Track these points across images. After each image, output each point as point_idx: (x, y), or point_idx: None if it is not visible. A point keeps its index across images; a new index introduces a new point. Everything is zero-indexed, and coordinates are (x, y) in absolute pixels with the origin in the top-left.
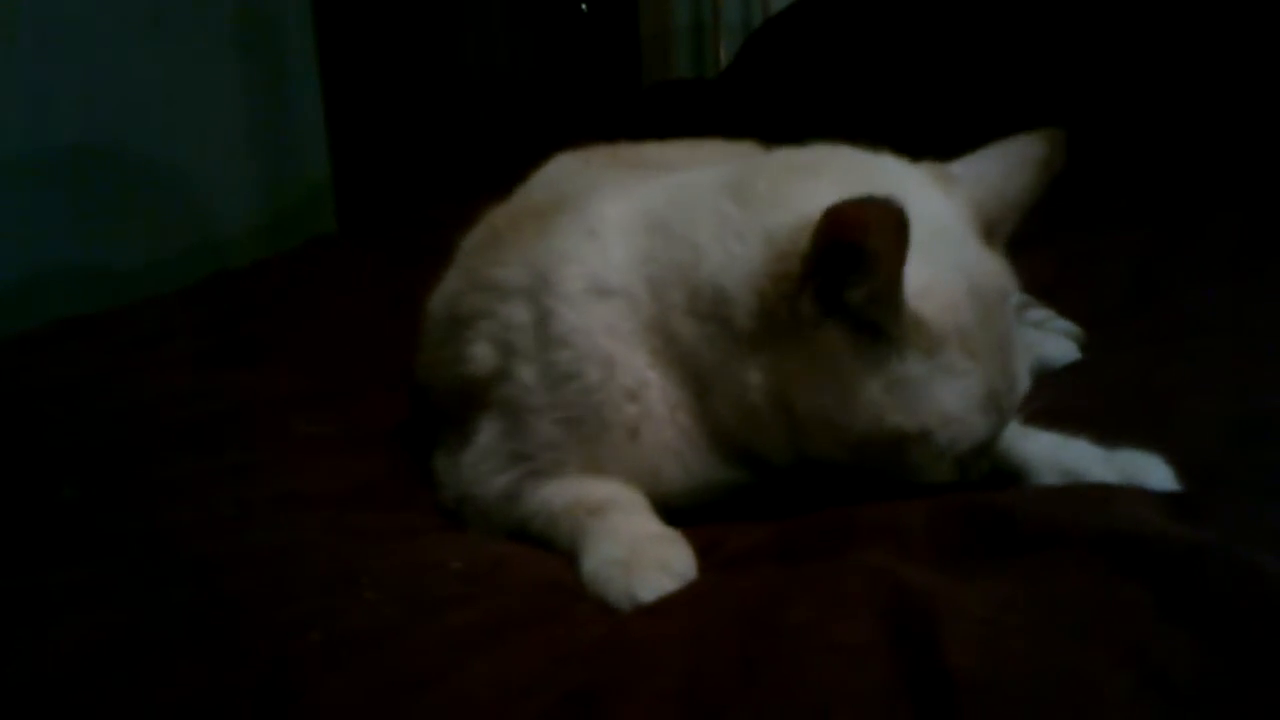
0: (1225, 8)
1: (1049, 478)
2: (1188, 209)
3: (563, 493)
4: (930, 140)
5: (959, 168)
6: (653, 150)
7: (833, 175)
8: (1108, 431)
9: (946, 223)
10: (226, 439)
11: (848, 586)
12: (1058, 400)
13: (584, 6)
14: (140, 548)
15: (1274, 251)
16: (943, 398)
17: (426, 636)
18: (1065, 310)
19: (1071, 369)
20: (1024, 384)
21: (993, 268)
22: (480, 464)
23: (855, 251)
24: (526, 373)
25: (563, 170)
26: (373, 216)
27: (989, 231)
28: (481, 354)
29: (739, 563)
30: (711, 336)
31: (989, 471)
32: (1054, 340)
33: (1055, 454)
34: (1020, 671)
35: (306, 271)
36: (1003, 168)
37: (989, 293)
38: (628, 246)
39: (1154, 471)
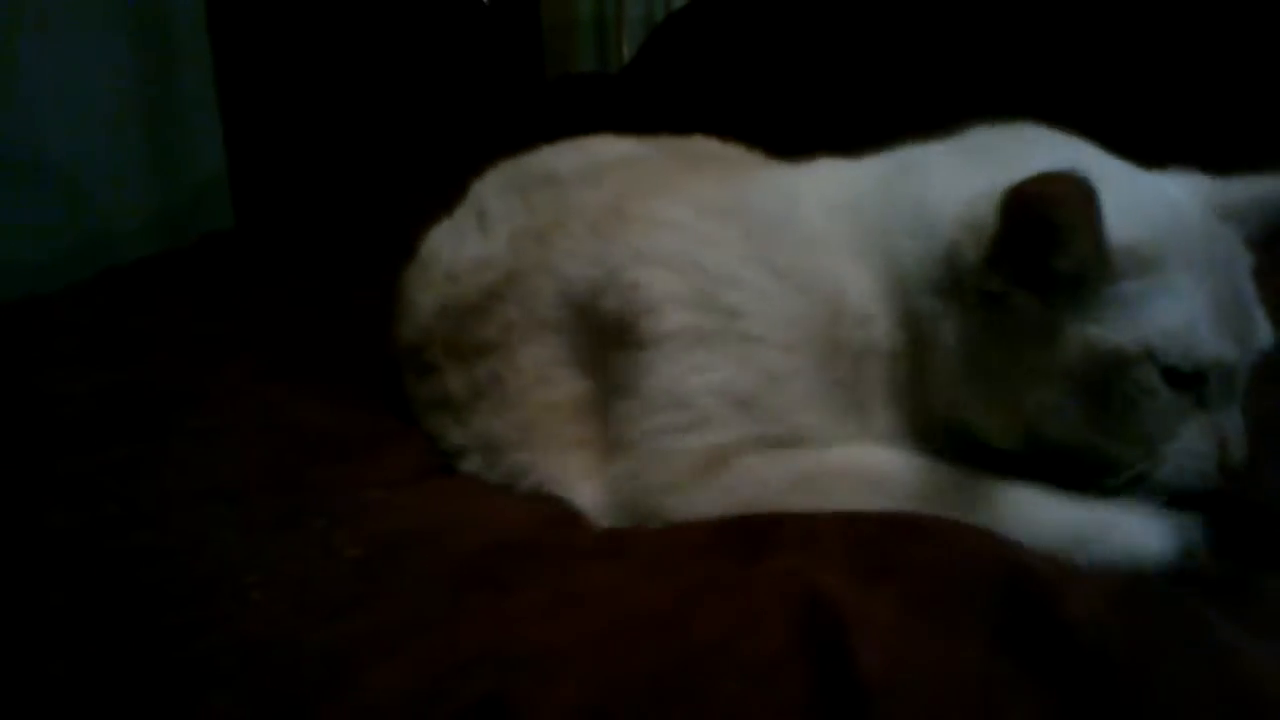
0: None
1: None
2: None
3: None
4: (833, 135)
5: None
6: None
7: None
8: None
9: (1166, 189)
10: (113, 436)
11: (760, 596)
12: None
13: (486, 0)
14: (15, 551)
15: None
16: (1164, 310)
17: (321, 642)
18: None
19: None
20: (1265, 328)
21: (1209, 227)
22: (654, 414)
23: (1048, 225)
24: (737, 296)
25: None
26: (271, 212)
27: (1224, 212)
28: (662, 279)
29: (659, 560)
30: (924, 274)
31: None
32: None
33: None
34: (929, 677)
35: (200, 268)
36: (1259, 178)
37: (1210, 229)
38: (861, 175)
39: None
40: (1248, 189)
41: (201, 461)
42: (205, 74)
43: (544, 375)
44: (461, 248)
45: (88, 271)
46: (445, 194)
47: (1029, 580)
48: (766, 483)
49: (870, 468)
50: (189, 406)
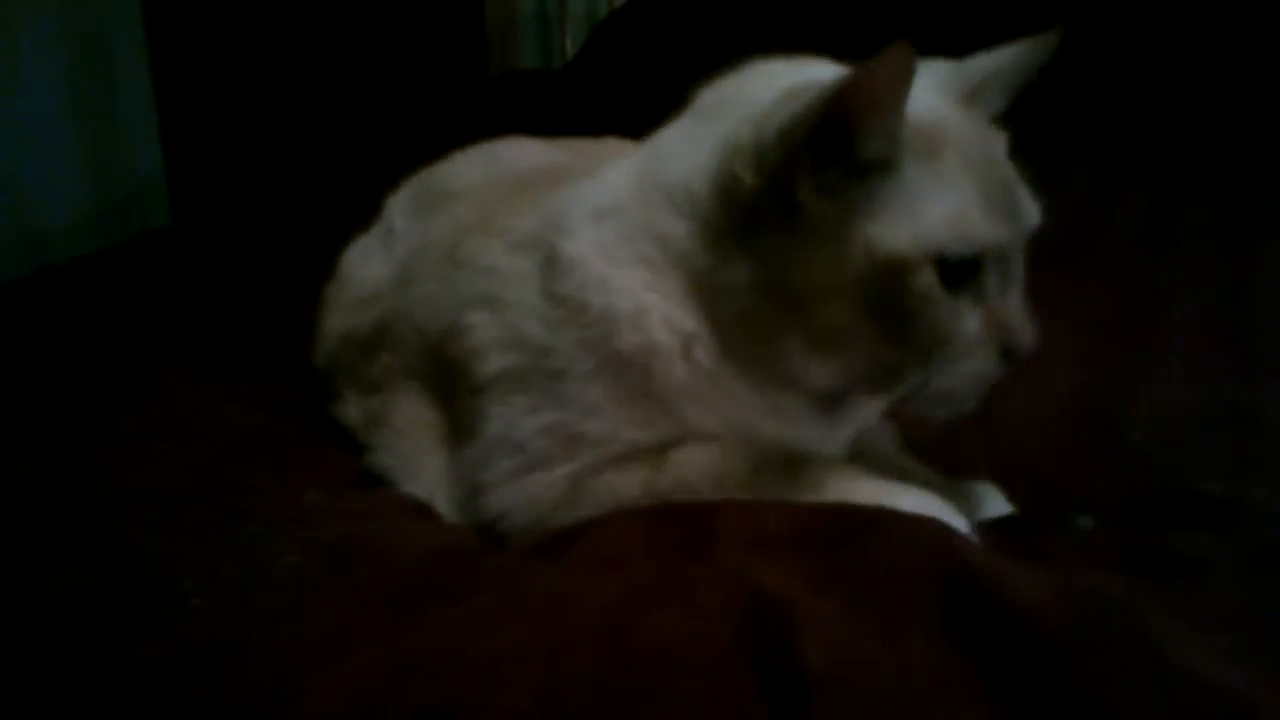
0: None
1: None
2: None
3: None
4: None
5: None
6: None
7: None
8: None
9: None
10: (45, 439)
11: (705, 595)
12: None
13: None
14: None
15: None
16: (938, 201)
17: (263, 649)
18: None
19: None
20: (1031, 207)
21: (965, 116)
22: (498, 460)
23: (846, 118)
24: (539, 332)
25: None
26: (210, 210)
27: (970, 95)
28: (484, 322)
29: (603, 561)
30: (696, 234)
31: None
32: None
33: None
34: (873, 669)
35: (137, 266)
36: (990, 53)
37: (967, 119)
38: (622, 175)
39: (992, 500)
40: (983, 65)
41: (137, 465)
42: (142, 70)
43: (418, 419)
44: (367, 270)
45: (22, 269)
46: (381, 195)
47: (972, 574)
48: (622, 497)
49: (702, 465)
50: (124, 409)
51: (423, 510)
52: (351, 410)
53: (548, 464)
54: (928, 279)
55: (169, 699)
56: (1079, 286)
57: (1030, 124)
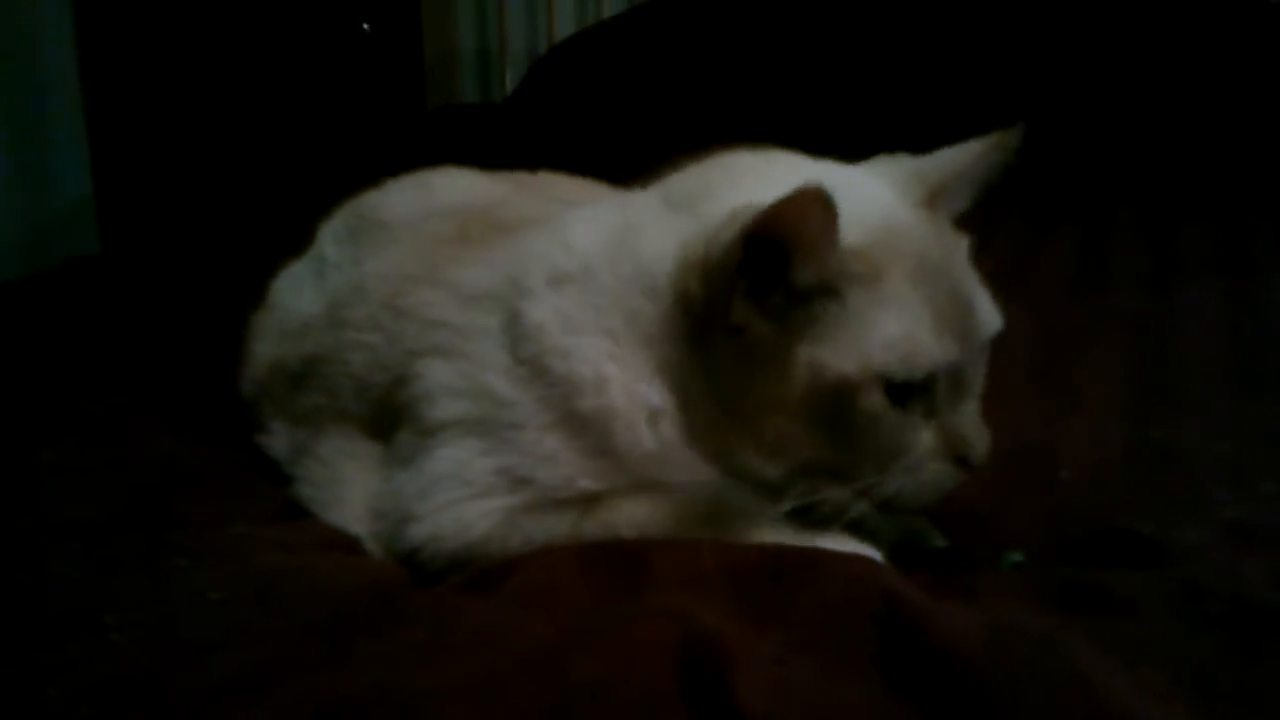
0: None
1: None
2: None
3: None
4: None
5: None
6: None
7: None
8: None
9: (869, 185)
10: None
11: (639, 633)
12: None
13: (366, 26)
14: None
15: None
16: (883, 325)
17: (184, 685)
18: None
19: None
20: (990, 314)
21: (926, 227)
22: (438, 493)
23: (780, 247)
24: (499, 384)
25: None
26: (140, 238)
27: (931, 198)
28: (437, 370)
29: (536, 597)
30: (664, 319)
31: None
32: None
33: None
34: (806, 708)
35: (63, 293)
36: (955, 150)
37: (922, 231)
38: (588, 237)
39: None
40: (945, 165)
41: (58, 497)
42: (73, 95)
43: (346, 450)
44: (298, 300)
45: None
46: (313, 224)
47: (904, 612)
48: (552, 535)
49: (630, 514)
50: (46, 439)
51: (352, 544)
52: (278, 441)
53: (488, 496)
54: (875, 399)
55: None
56: (1008, 326)
57: None
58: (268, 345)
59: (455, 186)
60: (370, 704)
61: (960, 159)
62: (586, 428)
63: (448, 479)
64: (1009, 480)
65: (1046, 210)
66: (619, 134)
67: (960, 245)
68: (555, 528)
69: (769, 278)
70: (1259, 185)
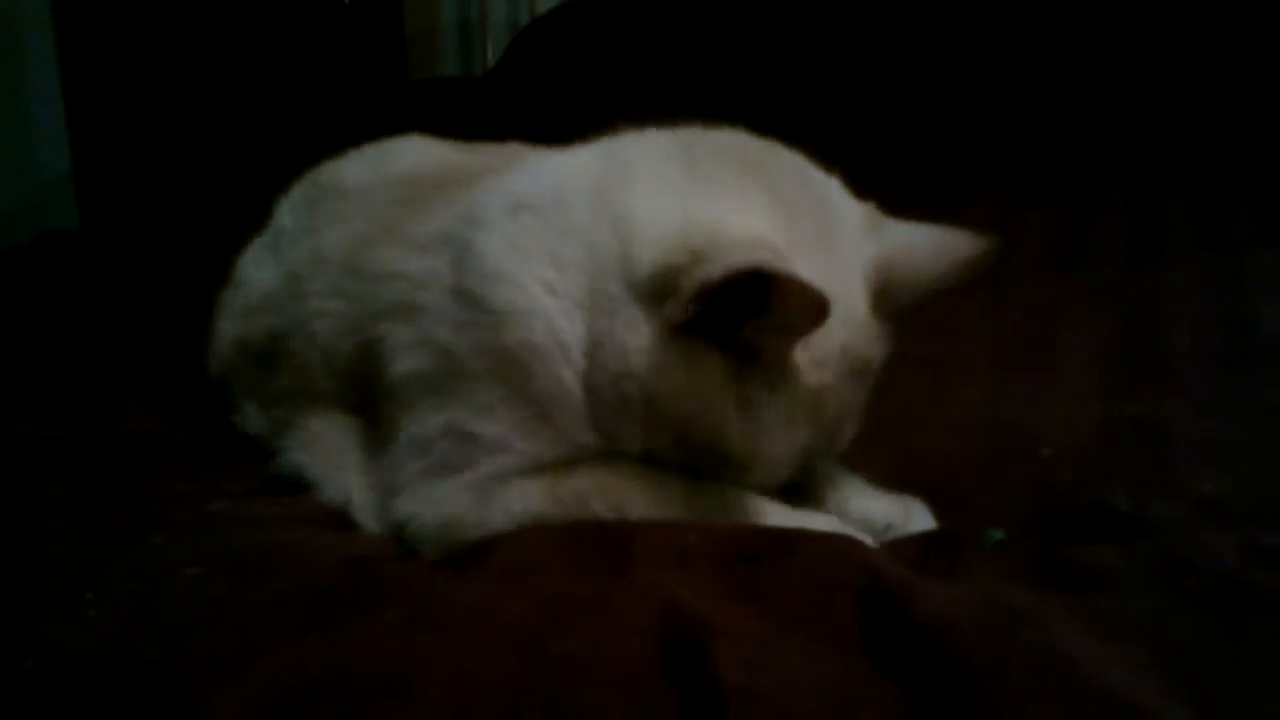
0: None
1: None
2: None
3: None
4: None
5: (902, 228)
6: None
7: (766, 188)
8: None
9: (855, 282)
10: None
11: (622, 609)
12: None
13: (346, 0)
14: None
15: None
16: (777, 441)
17: (162, 661)
18: None
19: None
20: (843, 444)
21: (870, 333)
22: (408, 463)
23: (763, 299)
24: (444, 333)
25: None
26: (119, 211)
27: (882, 296)
28: (396, 330)
29: (518, 574)
30: (615, 267)
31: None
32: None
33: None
34: (787, 683)
35: (39, 267)
36: (933, 249)
37: (855, 359)
38: (562, 175)
39: (919, 514)
40: (915, 266)
41: (35, 474)
42: (51, 68)
43: (334, 422)
44: (259, 273)
45: None
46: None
47: (886, 589)
48: (529, 505)
49: (601, 486)
50: (22, 415)
51: (332, 519)
52: (253, 420)
53: (452, 470)
54: (740, 471)
55: (59, 712)
56: (988, 304)
57: (943, 142)
58: (231, 323)
59: (415, 152)
60: (349, 679)
61: (931, 267)
62: (511, 369)
63: (411, 445)
64: (989, 458)
65: (1027, 185)
66: (600, 107)
67: (876, 362)
68: (531, 498)
69: (727, 314)
70: (1242, 163)
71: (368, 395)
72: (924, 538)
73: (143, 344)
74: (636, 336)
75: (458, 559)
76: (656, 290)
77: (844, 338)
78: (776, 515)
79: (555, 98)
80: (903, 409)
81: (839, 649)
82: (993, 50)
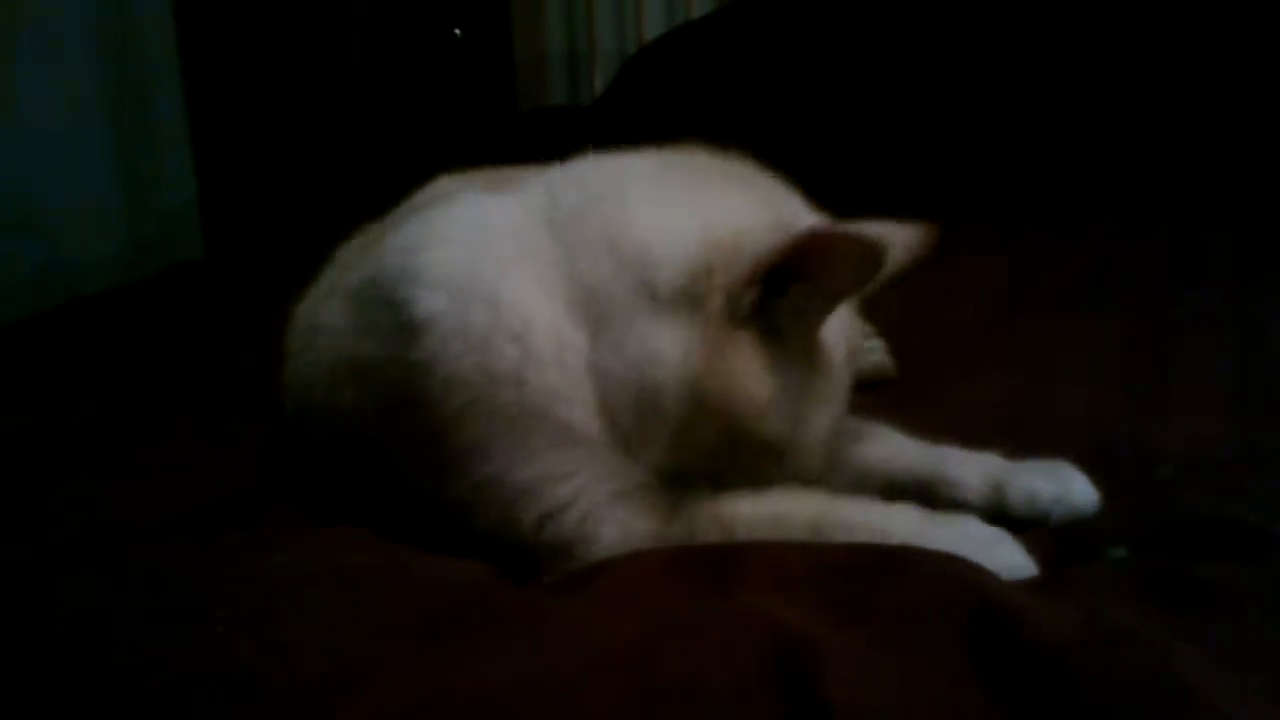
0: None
1: (978, 485)
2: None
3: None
4: (807, 170)
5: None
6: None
7: (748, 188)
8: None
9: None
10: (69, 469)
11: (725, 631)
12: None
13: (457, 31)
14: None
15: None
16: (815, 423)
17: (283, 680)
18: None
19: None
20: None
21: (855, 323)
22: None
23: (802, 270)
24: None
25: (443, 187)
26: (243, 242)
27: None
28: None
29: (623, 598)
30: (627, 284)
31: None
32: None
33: (981, 466)
34: (897, 704)
35: (167, 298)
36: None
37: (852, 344)
38: (520, 205)
39: (1075, 481)
40: None
41: (160, 495)
42: (176, 102)
43: None
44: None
45: (54, 301)
46: None
47: (996, 610)
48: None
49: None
50: (148, 440)
51: (436, 542)
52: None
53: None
54: (772, 460)
55: None
56: (1103, 325)
57: (1053, 167)
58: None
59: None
60: (456, 700)
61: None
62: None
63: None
64: (1108, 476)
65: (1138, 208)
66: (708, 135)
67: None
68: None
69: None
70: None
71: None
72: (1041, 552)
73: (264, 373)
74: (672, 346)
75: (562, 583)
76: (690, 294)
77: (845, 322)
78: (928, 524)
79: (662, 125)
80: (1010, 421)
81: (949, 671)
82: (1096, 75)
